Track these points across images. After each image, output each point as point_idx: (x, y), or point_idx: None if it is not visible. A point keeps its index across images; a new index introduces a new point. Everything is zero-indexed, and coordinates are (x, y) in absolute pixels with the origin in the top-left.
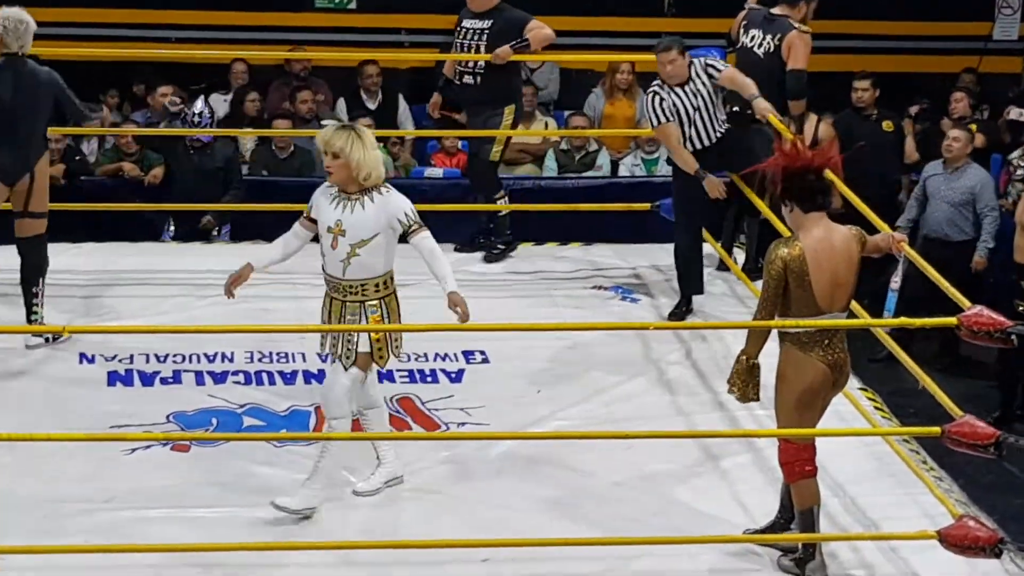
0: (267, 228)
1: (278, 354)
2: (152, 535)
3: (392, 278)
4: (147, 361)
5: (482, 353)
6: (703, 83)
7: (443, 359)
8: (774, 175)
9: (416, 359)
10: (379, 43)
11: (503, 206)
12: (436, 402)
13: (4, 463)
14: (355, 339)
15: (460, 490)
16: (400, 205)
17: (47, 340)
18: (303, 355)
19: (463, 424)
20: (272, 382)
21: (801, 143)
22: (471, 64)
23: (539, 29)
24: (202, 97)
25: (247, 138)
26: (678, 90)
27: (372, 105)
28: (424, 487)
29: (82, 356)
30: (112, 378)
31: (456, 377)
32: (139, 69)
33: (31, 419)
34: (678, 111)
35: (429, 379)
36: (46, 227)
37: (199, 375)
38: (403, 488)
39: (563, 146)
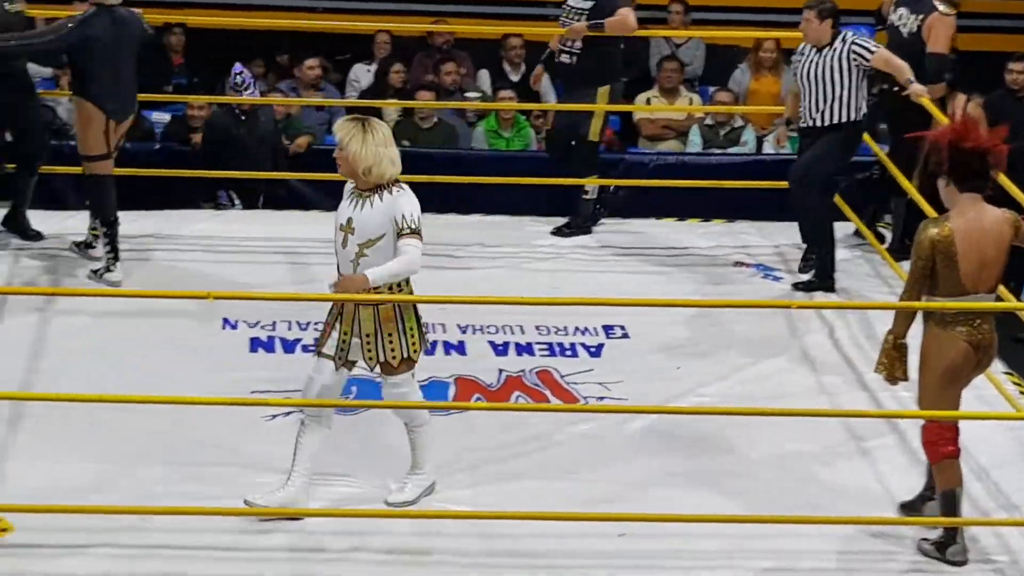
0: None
1: None
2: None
3: (407, 281)
4: (289, 328)
5: (622, 328)
6: (842, 60)
7: (583, 333)
8: (940, 147)
9: (556, 332)
10: (523, 16)
11: (592, 180)
12: (575, 376)
13: (148, 425)
14: (377, 346)
15: (597, 464)
16: (403, 205)
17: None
18: (443, 326)
19: (602, 398)
20: None
21: (974, 124)
22: (569, 42)
23: (623, 18)
24: (238, 64)
25: (390, 109)
26: (813, 54)
27: (515, 77)
28: (561, 461)
29: (225, 322)
30: (254, 344)
31: (596, 351)
32: (283, 39)
33: (174, 383)
34: (803, 75)
35: (568, 353)
36: None
37: None
38: (541, 460)
39: (707, 121)
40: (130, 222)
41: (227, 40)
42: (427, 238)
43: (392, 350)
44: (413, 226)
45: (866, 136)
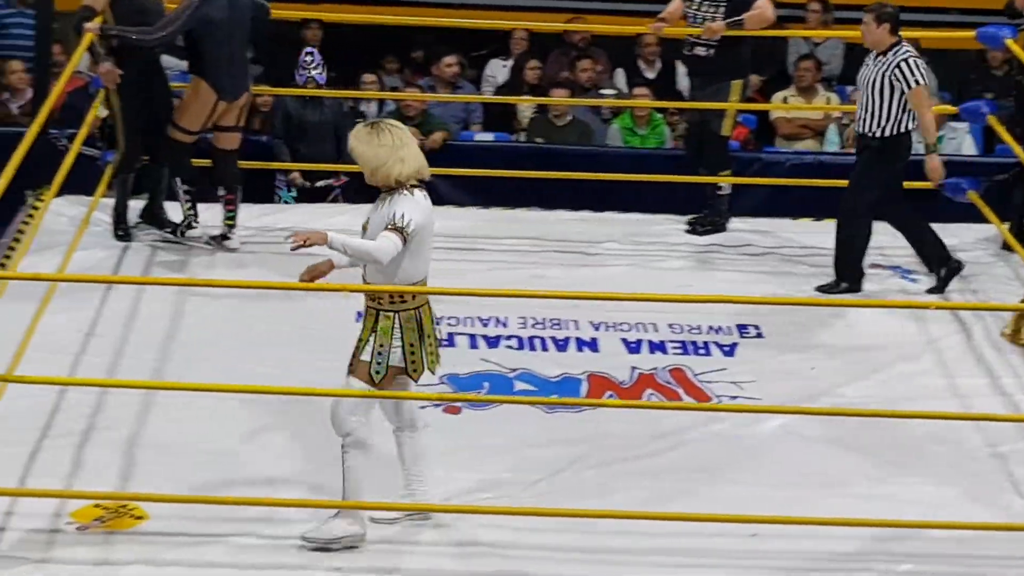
0: (544, 195)
1: (551, 320)
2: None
3: (400, 295)
4: None
5: (756, 327)
6: (886, 73)
7: (716, 332)
8: None
9: (689, 331)
10: (658, 13)
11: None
12: (708, 374)
13: (280, 416)
14: (364, 350)
15: (729, 464)
16: (399, 205)
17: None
18: (575, 322)
19: (735, 397)
20: (544, 348)
21: None
22: (704, 36)
23: (761, 10)
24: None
25: (524, 106)
26: (871, 59)
27: (651, 75)
28: (693, 460)
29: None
30: None
31: (729, 350)
32: (418, 35)
33: (307, 375)
34: (859, 80)
35: (702, 351)
36: None
37: (472, 338)
38: (673, 459)
39: (845, 121)
40: (273, 214)
41: (363, 36)
42: (560, 235)
43: (363, 353)
44: (399, 224)
45: (1007, 136)
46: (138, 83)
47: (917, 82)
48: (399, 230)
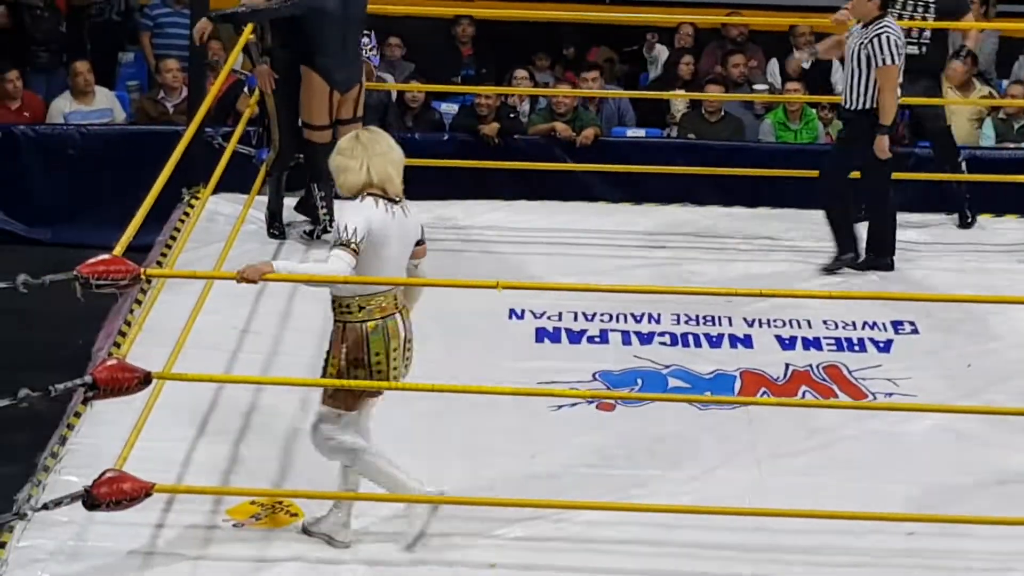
0: (695, 190)
1: (704, 317)
2: (576, 491)
3: (363, 306)
4: (575, 319)
5: (912, 323)
6: (863, 44)
7: (871, 328)
8: None
9: (844, 327)
10: (813, 8)
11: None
12: (863, 371)
13: (435, 412)
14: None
15: (884, 462)
16: (341, 217)
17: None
18: (729, 319)
19: (891, 395)
20: (698, 344)
21: None
22: (915, 34)
23: (975, 32)
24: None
25: (677, 102)
26: (858, 30)
27: (806, 65)
28: (848, 457)
29: (512, 312)
30: (540, 335)
31: (885, 347)
32: (570, 31)
33: (460, 371)
34: (846, 52)
35: (857, 348)
36: None
37: (626, 335)
38: (828, 457)
39: (1001, 115)
40: (420, 212)
41: (514, 31)
42: (708, 230)
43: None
44: (343, 238)
45: None
46: (288, 82)
47: (885, 61)
48: (345, 244)
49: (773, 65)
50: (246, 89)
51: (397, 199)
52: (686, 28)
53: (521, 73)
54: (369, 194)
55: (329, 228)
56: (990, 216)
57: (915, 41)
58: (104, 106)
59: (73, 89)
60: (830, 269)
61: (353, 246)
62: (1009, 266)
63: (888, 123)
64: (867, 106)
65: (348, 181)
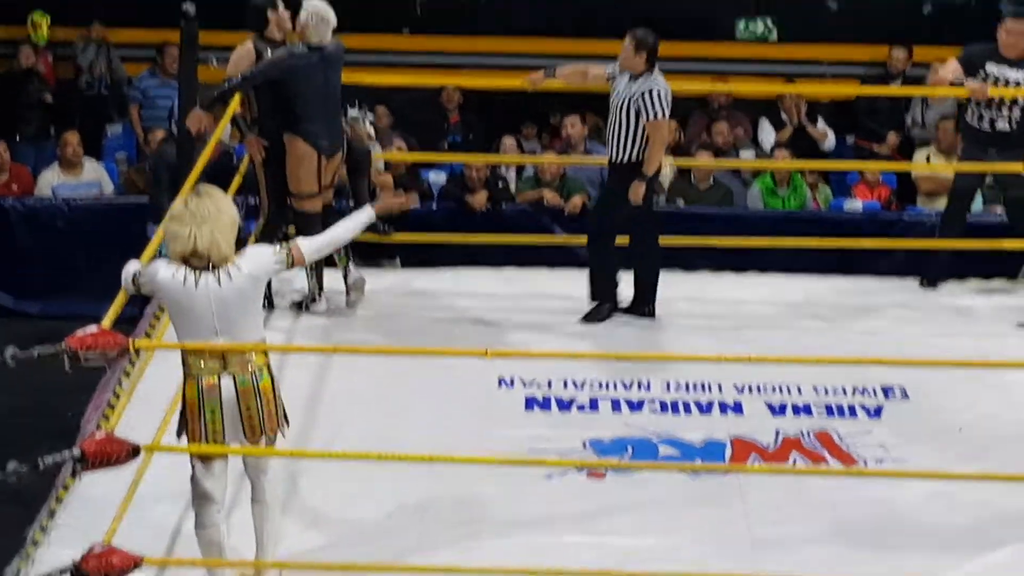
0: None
1: (694, 384)
2: (567, 561)
3: (186, 361)
4: (565, 387)
5: (902, 389)
6: (633, 98)
7: (862, 393)
8: None
9: (834, 393)
10: (799, 74)
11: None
12: (854, 437)
13: (423, 481)
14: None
15: (877, 528)
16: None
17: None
18: (719, 385)
19: (882, 461)
20: (688, 411)
21: None
22: (1004, 109)
23: None
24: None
25: (666, 169)
26: (625, 81)
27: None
28: (842, 525)
29: (501, 380)
30: (530, 403)
31: (875, 413)
32: (556, 99)
33: (449, 439)
34: (611, 102)
35: (847, 414)
36: None
37: (616, 402)
38: (821, 525)
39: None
40: (407, 282)
41: (501, 99)
42: (696, 296)
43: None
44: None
45: None
46: (276, 151)
47: (657, 115)
48: (134, 276)
49: (760, 131)
50: (233, 160)
51: (217, 265)
52: None
53: (508, 141)
54: (188, 262)
55: (317, 298)
56: (978, 280)
57: (1006, 117)
58: (92, 178)
59: (62, 160)
60: (590, 319)
61: (137, 281)
62: (999, 329)
63: (650, 174)
64: (634, 159)
65: (176, 248)
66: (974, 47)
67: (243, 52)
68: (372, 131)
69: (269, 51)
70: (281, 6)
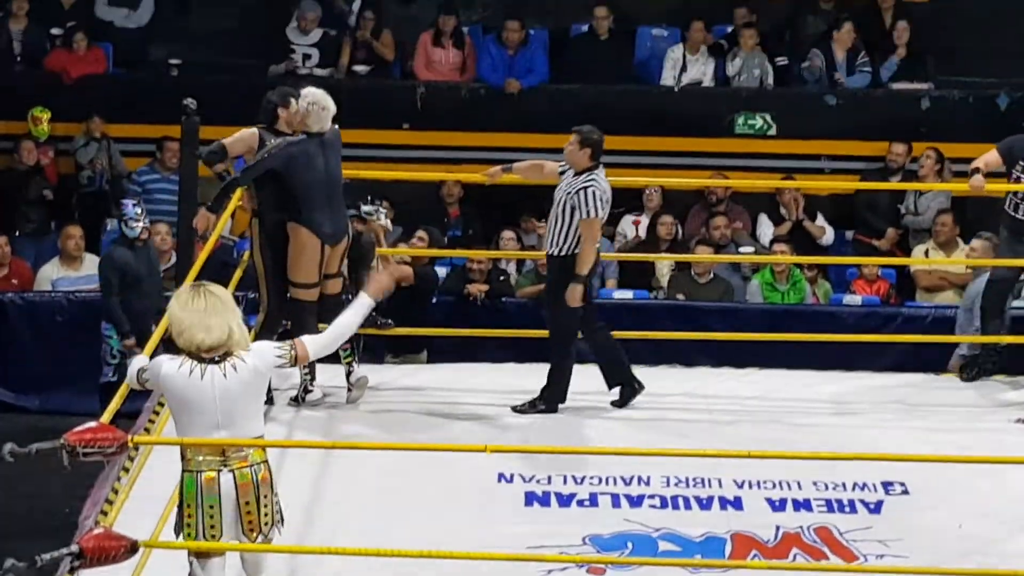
0: (684, 352)
1: (694, 479)
2: None
3: (185, 455)
4: (564, 482)
5: (902, 484)
6: (571, 194)
7: (862, 489)
8: None
9: (834, 488)
10: (798, 169)
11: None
12: (854, 533)
13: None
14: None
15: None
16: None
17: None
18: (719, 480)
19: (882, 556)
20: (688, 507)
21: None
22: None
23: None
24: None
25: (662, 263)
26: (568, 176)
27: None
28: None
29: (500, 476)
30: (529, 498)
31: (875, 508)
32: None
33: (450, 535)
34: (555, 196)
35: (847, 509)
36: None
37: (615, 497)
38: None
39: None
40: (406, 376)
41: (502, 192)
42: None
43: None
44: (142, 366)
45: None
46: (277, 244)
47: (589, 213)
48: (139, 371)
49: (759, 226)
50: (234, 254)
51: (225, 355)
52: (652, 190)
53: (508, 234)
54: (200, 357)
55: (310, 388)
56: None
57: None
58: (92, 272)
59: (63, 253)
60: (621, 404)
61: (140, 378)
62: (999, 425)
63: (584, 273)
64: (566, 252)
65: (185, 340)
66: (1015, 138)
67: (246, 134)
68: (389, 224)
69: (272, 140)
70: (294, 103)
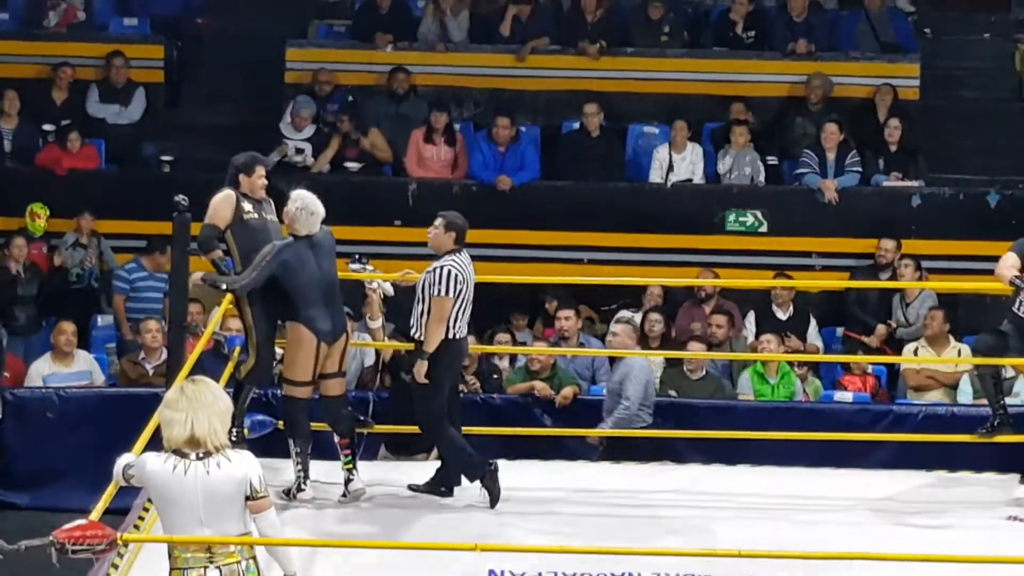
0: (678, 450)
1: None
2: None
3: (172, 553)
4: None
5: None
6: (427, 277)
7: None
8: None
9: None
10: (789, 265)
11: None
12: None
13: None
14: None
15: None
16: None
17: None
18: None
19: None
20: None
21: None
22: None
23: None
24: None
25: (654, 361)
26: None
27: (783, 316)
28: None
29: (491, 573)
30: None
31: None
32: (550, 288)
33: None
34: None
35: None
36: None
37: None
38: None
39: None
40: (399, 471)
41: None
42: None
43: None
44: (121, 466)
45: None
46: (266, 294)
47: (440, 292)
48: (125, 467)
49: (747, 322)
50: (225, 350)
51: (210, 452)
52: (655, 289)
53: (503, 336)
54: (177, 451)
55: (304, 486)
56: (969, 472)
57: None
58: (83, 368)
59: (55, 349)
60: (417, 489)
61: (125, 475)
62: (991, 523)
63: (430, 351)
64: (417, 335)
65: (172, 435)
66: None
67: (222, 198)
68: (389, 287)
69: (247, 203)
70: (257, 171)
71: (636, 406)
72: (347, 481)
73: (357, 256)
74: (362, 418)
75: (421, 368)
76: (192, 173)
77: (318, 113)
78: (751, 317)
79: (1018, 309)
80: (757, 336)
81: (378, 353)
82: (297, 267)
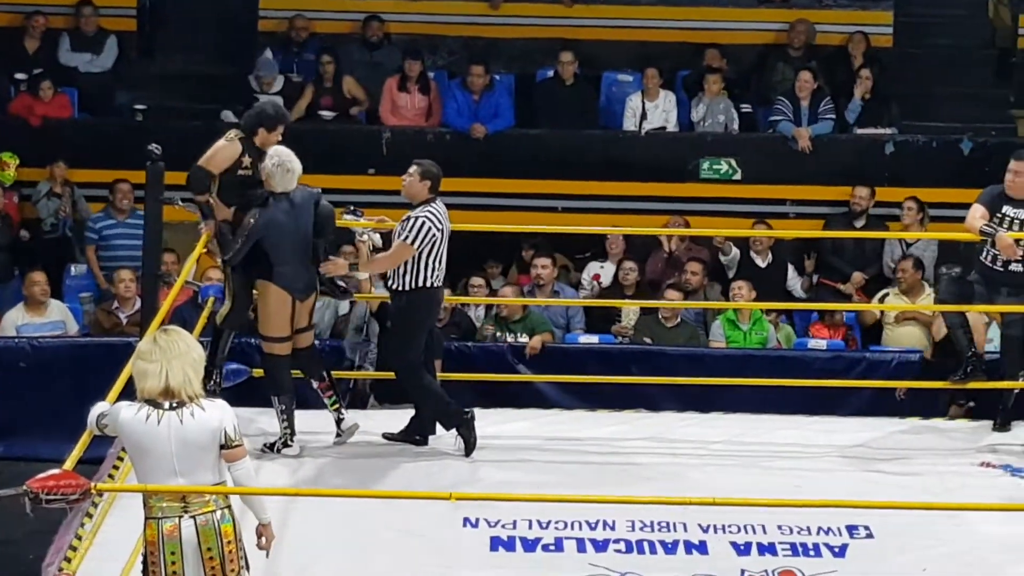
0: (650, 397)
1: (659, 523)
2: None
3: (147, 502)
4: (529, 527)
5: (866, 528)
6: (401, 222)
7: (826, 533)
8: None
9: (799, 532)
10: (764, 213)
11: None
12: None
13: None
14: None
15: None
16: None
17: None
18: (684, 525)
19: None
20: (653, 551)
21: None
22: (1020, 253)
23: None
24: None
25: (626, 309)
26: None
27: (762, 263)
28: None
29: (466, 520)
30: (495, 543)
31: (839, 552)
32: (527, 237)
33: None
34: None
35: (812, 553)
36: None
37: (580, 542)
38: None
39: None
40: (375, 419)
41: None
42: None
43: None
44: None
45: None
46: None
47: (406, 239)
48: (98, 417)
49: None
50: (199, 299)
51: (184, 402)
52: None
53: (477, 281)
54: (149, 400)
55: (290, 442)
56: (941, 419)
57: (1020, 259)
58: (57, 318)
59: (28, 299)
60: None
61: (100, 424)
62: (963, 469)
63: (364, 273)
64: (408, 287)
65: (147, 386)
66: (992, 189)
67: (227, 146)
68: (378, 238)
69: (247, 158)
70: (279, 130)
71: None
72: (338, 421)
73: (352, 207)
74: (340, 291)
75: (336, 264)
76: (166, 121)
77: (292, 63)
78: (735, 252)
79: (986, 258)
80: (728, 285)
81: (352, 302)
82: (277, 226)
